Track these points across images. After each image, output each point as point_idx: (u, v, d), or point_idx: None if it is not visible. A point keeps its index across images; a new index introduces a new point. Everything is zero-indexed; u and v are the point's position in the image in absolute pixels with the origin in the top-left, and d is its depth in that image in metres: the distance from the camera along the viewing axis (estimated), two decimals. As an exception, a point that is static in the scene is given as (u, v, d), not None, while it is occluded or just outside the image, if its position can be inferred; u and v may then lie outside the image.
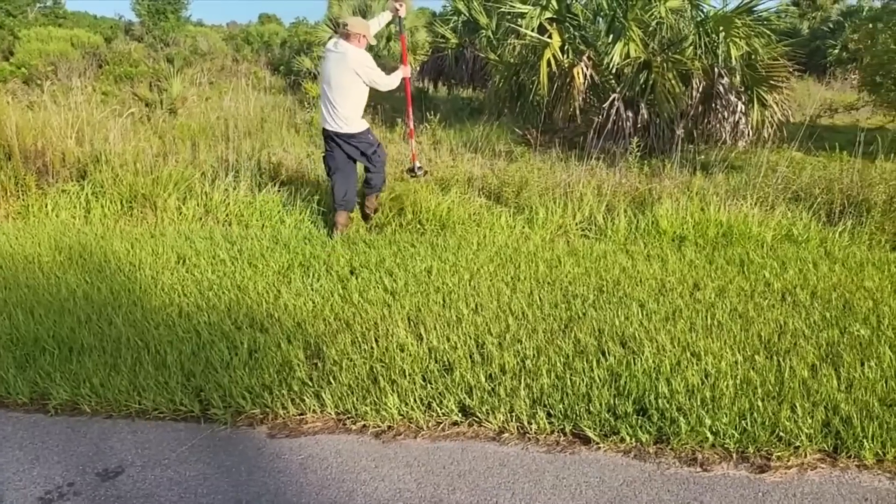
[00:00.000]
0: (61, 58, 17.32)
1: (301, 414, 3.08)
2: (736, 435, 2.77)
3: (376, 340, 3.58)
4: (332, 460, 2.78)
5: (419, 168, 6.21)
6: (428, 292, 4.22)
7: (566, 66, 8.74)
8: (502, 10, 10.48)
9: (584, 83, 8.54)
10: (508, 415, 2.97)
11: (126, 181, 6.34)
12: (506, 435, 2.91)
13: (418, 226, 5.77)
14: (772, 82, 8.48)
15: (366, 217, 5.93)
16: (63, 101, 7.69)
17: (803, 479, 2.60)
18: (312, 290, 4.31)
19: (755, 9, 8.48)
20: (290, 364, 3.35)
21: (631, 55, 8.46)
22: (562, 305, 4.01)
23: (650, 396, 3.00)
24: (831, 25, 24.31)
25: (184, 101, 11.99)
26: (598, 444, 2.82)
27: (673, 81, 8.17)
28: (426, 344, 3.52)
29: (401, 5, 5.76)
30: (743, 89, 8.50)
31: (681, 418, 2.84)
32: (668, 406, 2.93)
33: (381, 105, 10.71)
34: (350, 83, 5.39)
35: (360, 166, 5.79)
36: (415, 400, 3.06)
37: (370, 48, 5.52)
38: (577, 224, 5.78)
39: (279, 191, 6.45)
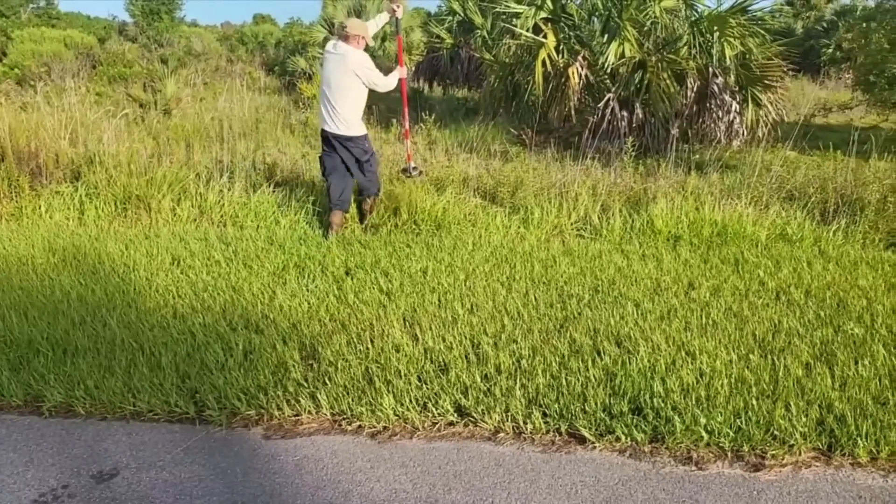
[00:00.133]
0: (55, 58, 17.26)
1: (296, 415, 3.07)
2: (731, 434, 2.78)
3: (372, 341, 3.58)
4: (328, 461, 2.77)
5: (414, 168, 6.21)
6: (423, 293, 4.22)
7: (561, 66, 8.75)
8: (497, 10, 10.49)
9: (579, 83, 8.56)
10: (504, 415, 2.97)
11: (120, 182, 6.31)
12: (501, 435, 2.91)
13: (414, 226, 5.76)
14: (766, 82, 8.51)
15: (361, 217, 5.93)
16: (56, 101, 7.67)
17: (798, 477, 2.61)
18: (308, 290, 4.31)
19: (749, 8, 8.53)
20: (286, 365, 3.34)
21: (626, 55, 8.48)
22: (557, 305, 4.01)
23: (645, 396, 3.00)
24: (825, 25, 24.39)
25: (178, 101, 11.97)
26: (593, 443, 2.82)
27: (668, 81, 8.20)
28: (422, 344, 3.52)
29: (398, 6, 5.77)
30: (737, 89, 8.52)
31: (676, 417, 2.85)
32: (663, 405, 2.93)
33: (376, 105, 10.70)
34: (350, 84, 5.41)
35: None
36: (410, 400, 3.06)
37: (366, 48, 5.55)
38: (572, 224, 5.78)
39: (274, 191, 6.44)
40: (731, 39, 8.39)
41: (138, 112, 10.46)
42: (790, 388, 3.03)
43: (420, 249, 5.10)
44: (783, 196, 6.07)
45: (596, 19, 9.65)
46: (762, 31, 8.81)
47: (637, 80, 8.55)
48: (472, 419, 2.98)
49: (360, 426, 2.99)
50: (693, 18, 9.01)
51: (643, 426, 2.85)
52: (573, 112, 8.86)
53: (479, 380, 3.17)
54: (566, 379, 3.15)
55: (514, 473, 2.67)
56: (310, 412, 3.07)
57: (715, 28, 8.44)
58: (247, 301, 4.13)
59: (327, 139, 5.61)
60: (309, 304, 4.08)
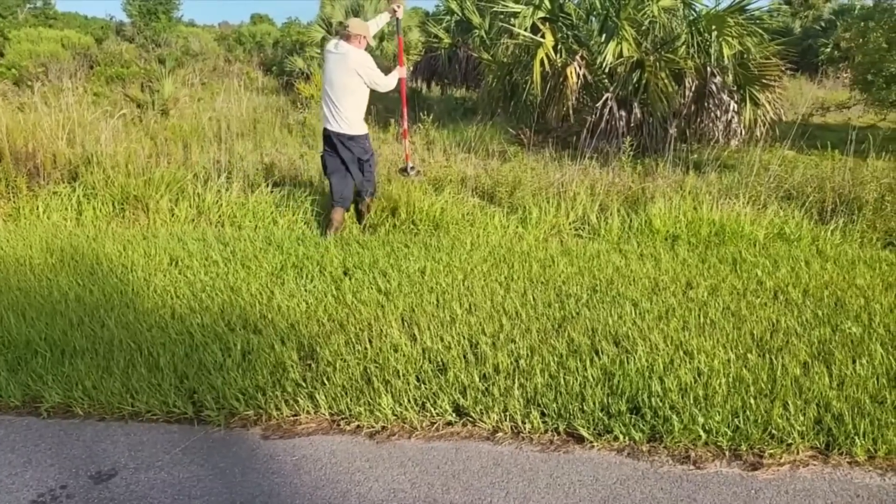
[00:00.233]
0: (52, 59, 17.24)
1: (295, 415, 3.07)
2: (729, 433, 2.78)
3: (370, 341, 3.58)
4: (327, 461, 2.78)
5: (412, 168, 6.22)
6: (421, 293, 4.22)
7: (559, 65, 8.76)
8: (495, 9, 10.49)
9: (578, 83, 8.57)
10: (502, 414, 2.98)
11: (118, 183, 6.31)
12: (500, 434, 2.91)
13: (412, 226, 5.76)
14: (764, 81, 8.53)
15: (359, 218, 5.93)
16: (54, 102, 7.66)
17: (795, 476, 2.62)
18: (306, 291, 4.31)
19: (747, 7, 8.54)
20: (284, 365, 3.34)
21: (624, 54, 8.49)
22: (555, 305, 4.02)
23: (643, 395, 3.01)
24: (823, 24, 24.43)
25: (175, 101, 11.96)
26: (591, 442, 2.82)
27: (666, 80, 8.20)
28: (420, 344, 3.52)
29: (398, 6, 5.80)
30: (735, 88, 8.54)
31: (674, 417, 2.85)
32: (661, 404, 2.94)
33: (374, 105, 10.68)
34: (352, 84, 5.47)
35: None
36: (409, 400, 3.06)
37: (366, 48, 5.59)
38: (570, 223, 5.79)
39: (272, 192, 6.44)
40: (730, 39, 8.40)
41: (136, 112, 10.45)
42: (788, 388, 3.03)
43: (418, 249, 5.10)
44: (781, 195, 6.08)
45: (594, 19, 9.66)
46: (760, 31, 8.82)
47: (635, 80, 8.56)
48: (470, 419, 2.98)
49: (358, 426, 2.99)
50: (691, 18, 9.03)
51: (641, 425, 2.86)
52: (571, 112, 8.87)
53: (477, 380, 3.18)
54: (564, 378, 3.15)
55: (513, 473, 2.67)
56: (308, 412, 3.07)
57: (713, 27, 8.45)
58: (245, 301, 4.13)
59: (329, 138, 5.65)
60: (307, 304, 4.08)
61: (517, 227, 5.76)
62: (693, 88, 8.40)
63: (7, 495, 2.59)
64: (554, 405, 2.98)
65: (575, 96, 8.70)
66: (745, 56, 8.69)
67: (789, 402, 2.92)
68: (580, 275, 4.55)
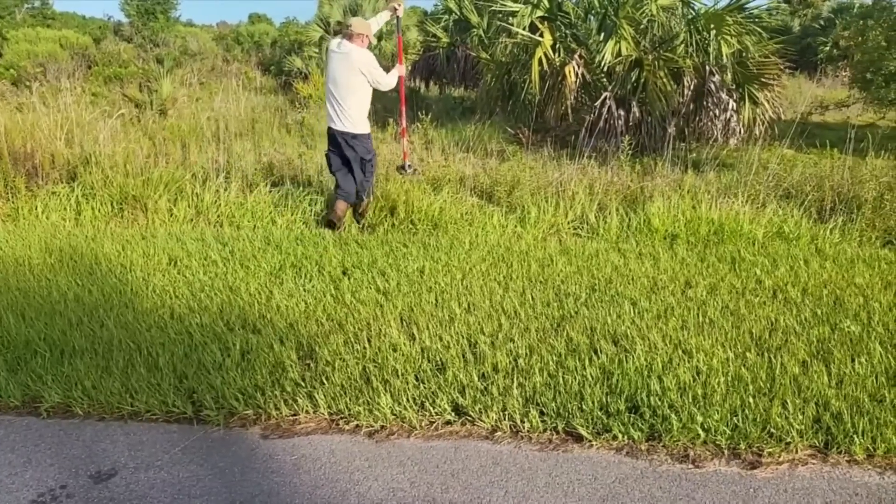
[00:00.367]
0: (50, 59, 17.23)
1: (294, 414, 3.07)
2: (727, 431, 2.79)
3: (369, 340, 3.58)
4: (326, 460, 2.78)
5: (409, 166, 6.23)
6: (420, 292, 4.22)
7: (558, 64, 8.76)
8: (493, 8, 10.50)
9: (576, 82, 8.57)
10: (501, 413, 2.98)
11: (116, 183, 6.31)
12: (499, 433, 2.91)
13: (410, 226, 5.77)
14: (763, 80, 8.53)
15: (358, 218, 5.93)
16: (52, 102, 7.65)
17: (794, 474, 2.62)
18: (304, 290, 4.31)
19: (746, 6, 8.55)
20: (283, 365, 3.34)
21: (622, 53, 8.49)
22: (554, 304, 4.02)
23: (642, 394, 3.01)
24: (822, 22, 24.44)
25: (174, 101, 11.95)
26: (590, 441, 2.83)
27: (664, 79, 8.21)
28: (419, 343, 3.52)
29: (399, 5, 5.84)
30: (734, 87, 8.55)
31: (672, 416, 2.86)
32: (659, 403, 2.94)
33: (373, 105, 10.68)
34: (356, 83, 5.53)
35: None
36: (408, 399, 3.06)
37: (368, 46, 5.64)
38: (569, 223, 5.79)
39: (270, 191, 6.43)
40: (728, 37, 8.41)
41: (134, 112, 10.44)
42: (787, 386, 3.03)
43: (417, 249, 5.10)
44: (780, 194, 6.08)
45: (592, 17, 9.66)
46: (759, 29, 8.83)
47: (634, 79, 8.57)
48: (469, 418, 2.98)
49: (357, 425, 2.99)
50: (690, 16, 9.04)
51: (640, 424, 2.86)
52: (570, 111, 8.87)
53: (476, 379, 3.18)
54: (563, 378, 3.15)
55: (512, 472, 2.67)
56: (307, 412, 3.07)
57: (712, 26, 8.45)
58: (244, 301, 4.13)
59: (333, 137, 5.71)
60: (306, 303, 4.08)
61: (516, 226, 5.76)
62: (692, 87, 8.41)
63: (7, 495, 2.59)
64: (553, 404, 2.98)
65: (573, 95, 8.71)
66: (744, 55, 8.70)
67: (788, 401, 2.93)
68: (579, 274, 4.55)
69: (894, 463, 2.66)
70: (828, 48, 21.04)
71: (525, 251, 5.09)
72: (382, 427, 2.98)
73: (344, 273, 4.64)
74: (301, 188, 6.58)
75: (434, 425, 2.97)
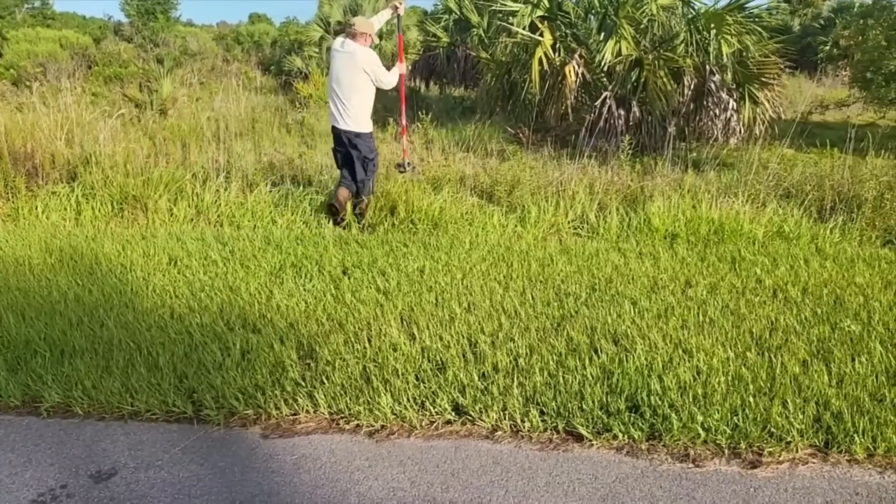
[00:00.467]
0: (50, 59, 17.24)
1: (294, 414, 3.07)
2: (728, 431, 2.79)
3: (369, 340, 3.58)
4: (326, 460, 2.78)
5: (409, 164, 6.24)
6: (420, 292, 4.22)
7: (558, 64, 8.76)
8: (493, 8, 10.50)
9: (576, 81, 8.57)
10: (501, 413, 2.98)
11: (116, 182, 6.31)
12: (499, 433, 2.91)
13: (410, 225, 5.76)
14: (763, 79, 8.53)
15: (358, 217, 5.93)
16: (52, 102, 7.65)
17: (794, 473, 2.62)
18: (305, 290, 4.31)
19: (746, 6, 8.55)
20: (283, 364, 3.34)
21: (622, 53, 8.49)
22: (554, 304, 4.02)
23: (642, 394, 3.01)
24: (822, 22, 24.43)
25: (174, 101, 11.95)
26: (590, 441, 2.82)
27: (664, 79, 8.21)
28: (419, 343, 3.52)
29: (400, 3, 5.87)
30: (734, 86, 8.54)
31: (673, 415, 2.85)
32: (660, 403, 2.94)
33: (373, 104, 10.70)
34: (360, 82, 5.58)
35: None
36: (408, 399, 3.06)
37: (371, 45, 5.68)
38: (569, 222, 5.79)
39: (270, 191, 6.43)
40: (728, 37, 8.41)
41: (134, 112, 10.44)
42: (787, 386, 3.03)
43: (417, 248, 5.10)
44: (780, 194, 6.08)
45: (592, 17, 9.66)
46: (759, 29, 8.83)
47: (634, 78, 8.57)
48: (469, 418, 2.98)
49: (357, 425, 2.99)
50: (690, 16, 9.04)
51: (640, 424, 2.86)
52: (570, 110, 8.87)
53: (476, 378, 3.18)
54: (563, 377, 3.15)
55: (512, 471, 2.67)
56: (307, 411, 3.07)
57: (712, 25, 8.45)
58: (244, 301, 4.13)
59: (338, 136, 5.78)
60: (306, 303, 4.08)
61: (516, 225, 5.76)
62: (692, 87, 8.41)
63: (7, 495, 2.59)
64: (553, 404, 2.98)
65: (574, 95, 8.70)
66: (744, 54, 8.70)
67: (788, 401, 2.93)
68: (579, 273, 4.55)
69: (895, 462, 2.66)
70: (828, 47, 21.03)
71: (525, 251, 5.09)
72: (383, 427, 2.98)
73: (344, 273, 4.64)
74: (301, 188, 6.58)
75: (434, 425, 2.97)
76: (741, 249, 5.08)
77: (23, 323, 3.83)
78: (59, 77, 13.59)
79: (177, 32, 28.30)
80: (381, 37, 15.20)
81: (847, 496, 2.49)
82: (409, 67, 14.76)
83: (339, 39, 5.75)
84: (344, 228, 5.79)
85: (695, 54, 8.58)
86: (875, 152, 6.50)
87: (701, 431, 2.79)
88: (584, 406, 2.95)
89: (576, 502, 2.49)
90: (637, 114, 8.54)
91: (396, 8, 5.90)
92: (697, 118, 8.58)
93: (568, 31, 9.37)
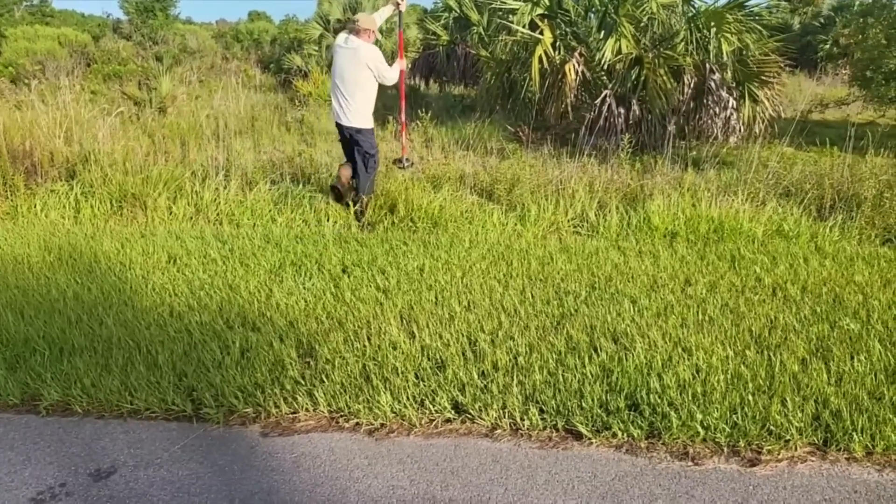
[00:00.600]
0: (49, 56, 17.21)
1: (294, 412, 3.07)
2: (727, 429, 2.79)
3: (369, 339, 3.58)
4: (325, 458, 2.78)
5: (407, 160, 6.25)
6: (420, 290, 4.22)
7: (558, 62, 8.75)
8: (493, 6, 10.48)
9: (576, 80, 8.56)
10: (501, 411, 2.98)
11: (115, 181, 6.30)
12: (498, 431, 2.91)
13: (410, 224, 5.76)
14: (763, 78, 8.53)
15: (358, 215, 5.93)
16: (51, 100, 7.63)
17: (793, 472, 2.62)
18: (304, 288, 4.31)
19: (746, 4, 8.53)
20: (283, 363, 3.34)
21: (622, 51, 8.48)
22: (554, 302, 4.02)
23: (642, 392, 3.01)
24: (822, 20, 24.42)
25: (173, 99, 11.94)
26: (590, 439, 2.83)
27: (664, 77, 8.20)
28: (419, 342, 3.52)
29: (402, 0, 5.87)
30: (734, 85, 8.54)
31: (672, 413, 2.86)
32: (659, 401, 2.94)
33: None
34: (364, 78, 5.62)
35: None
36: (407, 397, 3.06)
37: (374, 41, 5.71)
38: (569, 221, 5.79)
39: (270, 189, 6.43)
40: (728, 35, 8.40)
41: (133, 110, 10.43)
42: (786, 384, 3.03)
43: (417, 247, 5.10)
44: (780, 192, 6.08)
45: (593, 15, 9.66)
46: (759, 27, 8.83)
47: (634, 77, 8.56)
48: (469, 416, 2.98)
49: (357, 423, 3.00)
50: (690, 14, 9.03)
51: (640, 422, 2.86)
52: (570, 109, 8.86)
53: (476, 377, 3.18)
54: (563, 375, 3.15)
55: (511, 470, 2.67)
56: (307, 410, 3.07)
57: (712, 24, 8.44)
58: (243, 299, 4.13)
59: (341, 130, 5.88)
60: (306, 301, 4.08)
61: (516, 224, 5.76)
62: (692, 85, 8.40)
63: (6, 493, 2.59)
64: (552, 402, 2.98)
65: (573, 93, 8.69)
66: (744, 53, 8.69)
67: (787, 399, 2.93)
68: (579, 272, 4.55)
69: (893, 460, 2.67)
70: (828, 46, 21.02)
71: (525, 249, 5.09)
72: (382, 425, 2.98)
73: (344, 271, 4.64)
74: (301, 186, 6.58)
75: (434, 423, 2.97)
76: (741, 248, 5.08)
77: (22, 321, 3.83)
78: (58, 75, 13.57)
79: (176, 30, 28.26)
80: (381, 32, 15.21)
81: (845, 494, 2.49)
82: (409, 65, 14.75)
83: (343, 36, 5.78)
84: (347, 206, 5.92)
85: (695, 53, 8.57)
86: (875, 151, 6.50)
87: (700, 429, 2.79)
88: (584, 404, 2.95)
89: (575, 500, 2.49)
90: (637, 112, 8.54)
91: (398, 4, 5.92)
92: (697, 116, 8.57)
93: (568, 30, 9.36)
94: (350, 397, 3.08)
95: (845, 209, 5.67)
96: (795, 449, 2.72)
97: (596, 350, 3.40)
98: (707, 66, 8.33)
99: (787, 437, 2.75)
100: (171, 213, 6.10)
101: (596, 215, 5.80)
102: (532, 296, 4.11)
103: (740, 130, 8.40)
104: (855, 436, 2.72)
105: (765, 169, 6.42)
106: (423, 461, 2.74)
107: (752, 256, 4.87)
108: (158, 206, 6.11)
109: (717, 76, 8.30)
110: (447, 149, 8.10)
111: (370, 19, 5.70)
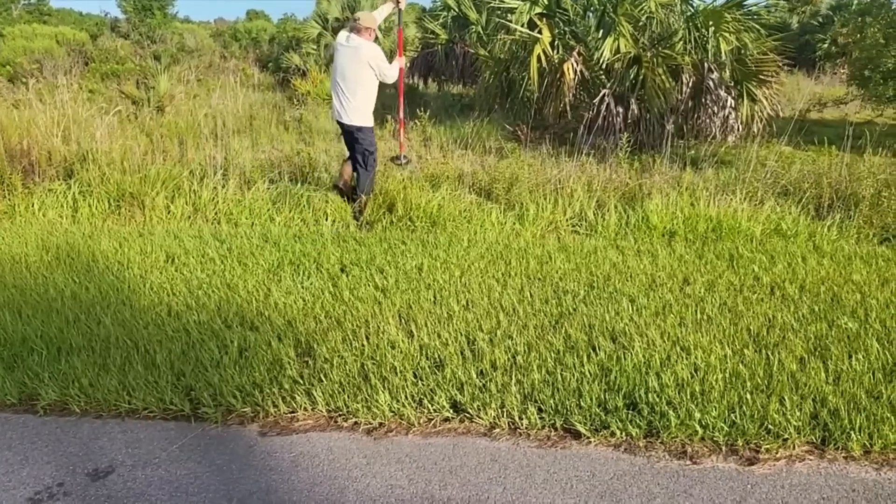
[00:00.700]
0: (46, 55, 17.18)
1: (292, 412, 3.07)
2: (725, 428, 2.79)
3: (367, 338, 3.58)
4: (324, 457, 2.78)
5: (404, 157, 6.25)
6: (419, 289, 4.22)
7: (556, 61, 8.75)
8: (492, 5, 10.48)
9: (575, 79, 8.56)
10: (499, 410, 2.98)
11: (113, 180, 6.29)
12: (497, 430, 2.91)
13: (409, 223, 5.76)
14: (761, 77, 8.53)
15: (356, 215, 5.93)
16: (49, 99, 7.62)
17: (791, 470, 2.62)
18: (303, 287, 4.30)
19: (744, 3, 8.54)
20: (281, 362, 3.34)
21: (621, 50, 8.48)
22: (552, 301, 4.02)
23: (640, 391, 3.01)
24: (821, 20, 24.44)
25: (171, 98, 11.91)
26: (588, 438, 2.83)
27: (663, 76, 8.20)
28: (417, 341, 3.52)
29: None
30: (732, 84, 8.54)
31: (670, 412, 2.86)
32: (657, 400, 2.94)
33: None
34: (365, 76, 5.64)
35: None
36: (406, 397, 3.06)
37: (375, 39, 5.72)
38: (567, 220, 5.79)
39: (268, 189, 6.42)
40: (727, 34, 8.40)
41: (131, 109, 10.41)
42: (784, 383, 3.04)
43: (415, 246, 5.10)
44: (778, 191, 6.08)
45: (591, 14, 9.65)
46: (757, 26, 8.82)
47: (632, 76, 8.56)
48: (467, 415, 2.98)
49: (355, 423, 2.99)
50: (688, 13, 9.02)
51: (638, 421, 2.86)
52: (568, 108, 8.86)
53: (474, 376, 3.18)
54: (561, 374, 3.15)
55: (510, 469, 2.67)
56: (305, 409, 3.07)
57: (710, 23, 8.44)
58: (242, 298, 4.12)
59: (342, 128, 5.90)
60: (304, 301, 4.08)
61: (514, 223, 5.76)
62: (690, 84, 8.40)
63: (4, 493, 2.59)
64: (551, 401, 2.98)
65: (572, 92, 8.69)
66: (743, 52, 8.69)
67: (785, 398, 2.93)
68: (577, 271, 4.55)
69: (891, 459, 2.67)
70: (826, 45, 21.02)
71: (523, 248, 5.08)
72: (381, 424, 2.98)
73: (342, 270, 4.63)
74: (299, 185, 6.57)
75: (432, 422, 2.97)
76: (739, 247, 5.09)
77: (19, 320, 3.83)
78: (56, 74, 13.55)
79: (174, 29, 28.22)
80: (380, 30, 15.20)
81: (843, 493, 2.50)
82: (408, 65, 14.74)
83: (344, 34, 5.79)
84: (351, 201, 5.95)
85: (693, 52, 8.57)
86: (873, 150, 6.51)
87: (698, 428, 2.79)
88: (582, 403, 2.95)
89: (574, 499, 2.49)
90: (635, 111, 8.54)
91: (398, 2, 5.92)
92: (696, 116, 8.58)
93: (566, 29, 9.36)
94: (348, 396, 3.08)
95: (843, 208, 5.68)
96: (793, 448, 2.72)
97: (594, 349, 3.40)
98: (705, 65, 8.33)
99: (786, 436, 2.75)
100: (169, 213, 6.09)
101: (594, 214, 5.80)
102: (530, 295, 4.11)
103: (739, 129, 8.40)
104: (853, 434, 2.72)
105: (763, 168, 6.43)
106: (422, 460, 2.74)
107: (750, 255, 4.87)
108: (156, 205, 6.10)
109: (715, 75, 8.30)
110: (446, 148, 8.10)
111: (371, 18, 5.70)
